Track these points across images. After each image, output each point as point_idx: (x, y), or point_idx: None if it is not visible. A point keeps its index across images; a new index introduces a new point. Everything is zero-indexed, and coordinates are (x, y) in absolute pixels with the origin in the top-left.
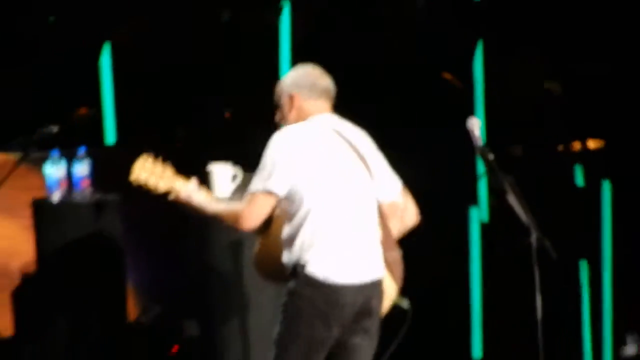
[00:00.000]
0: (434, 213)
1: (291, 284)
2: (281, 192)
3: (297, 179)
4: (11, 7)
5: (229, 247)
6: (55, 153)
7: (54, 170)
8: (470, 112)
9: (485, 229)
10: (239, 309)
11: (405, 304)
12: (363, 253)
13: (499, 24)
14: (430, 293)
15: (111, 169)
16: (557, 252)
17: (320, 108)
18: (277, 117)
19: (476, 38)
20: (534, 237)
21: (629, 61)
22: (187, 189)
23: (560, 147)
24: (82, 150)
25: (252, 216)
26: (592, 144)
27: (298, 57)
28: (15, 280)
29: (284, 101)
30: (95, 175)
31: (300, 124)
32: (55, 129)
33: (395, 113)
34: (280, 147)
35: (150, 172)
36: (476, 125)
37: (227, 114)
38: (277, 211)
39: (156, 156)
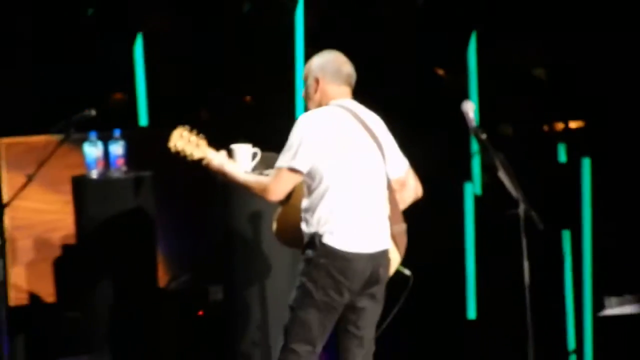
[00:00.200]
0: (433, 188)
1: (308, 253)
2: (304, 169)
3: (319, 159)
4: (53, 1)
5: (249, 219)
6: (93, 134)
7: (92, 150)
8: (465, 96)
9: (478, 201)
10: (259, 275)
11: (407, 271)
12: (373, 226)
13: (490, 15)
14: (428, 260)
15: (144, 148)
16: (543, 223)
17: (342, 93)
18: (303, 94)
19: (470, 29)
20: (521, 209)
21: (605, 51)
22: (220, 158)
23: (545, 127)
24: (117, 132)
25: (277, 189)
26: (573, 124)
27: (311, 46)
28: (57, 251)
29: (310, 82)
30: (130, 154)
31: (324, 108)
32: (93, 112)
33: (399, 100)
34: (305, 129)
35: (186, 141)
36: (470, 108)
37: (247, 99)
38: (298, 183)
39: (191, 128)
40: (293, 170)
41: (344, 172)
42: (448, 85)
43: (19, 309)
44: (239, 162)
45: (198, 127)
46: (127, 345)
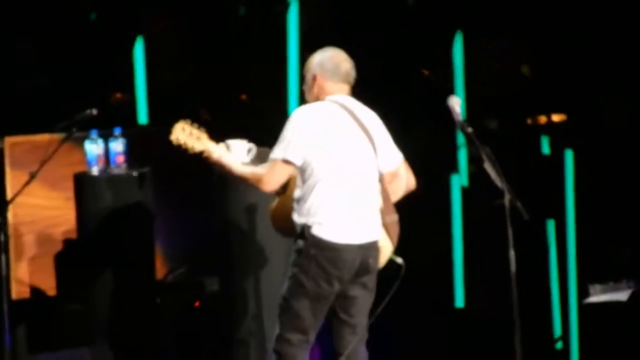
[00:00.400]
0: (421, 179)
1: (299, 244)
2: (297, 161)
3: (311, 151)
4: (57, 6)
5: (244, 212)
6: (94, 133)
7: (93, 147)
8: (451, 91)
9: (465, 192)
10: (254, 267)
11: (399, 259)
12: (363, 217)
13: (475, 14)
14: (418, 250)
15: (143, 146)
16: (528, 213)
17: (339, 89)
18: (303, 87)
19: (455, 27)
20: (507, 200)
21: (585, 48)
22: (220, 151)
23: (529, 121)
24: (117, 130)
25: (271, 180)
26: (556, 117)
27: (304, 47)
28: (59, 246)
29: (309, 78)
30: (130, 151)
31: (318, 103)
32: (94, 111)
33: (391, 98)
34: (298, 122)
35: (187, 134)
36: (456, 103)
37: (243, 97)
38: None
39: (192, 122)
40: (286, 161)
41: (335, 165)
42: (435, 81)
43: (21, 302)
44: (235, 156)
45: (197, 123)
46: (126, 337)
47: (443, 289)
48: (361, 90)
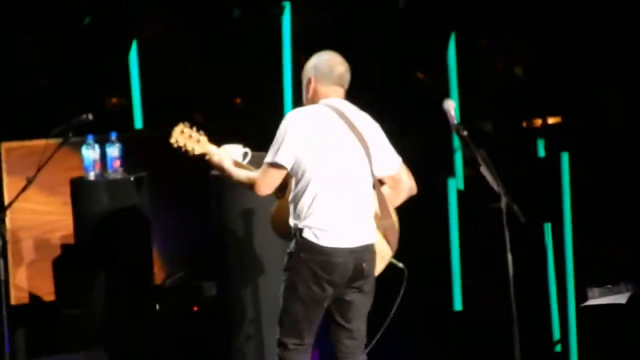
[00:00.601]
0: (418, 183)
1: (291, 247)
2: (287, 164)
3: (301, 155)
4: (52, 11)
5: (242, 216)
6: (90, 138)
7: (89, 152)
8: (446, 95)
9: (461, 196)
10: (252, 271)
11: (400, 264)
12: (353, 221)
13: (469, 15)
14: (415, 253)
15: (139, 150)
16: (524, 216)
17: (333, 93)
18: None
19: (449, 29)
20: (504, 203)
21: (580, 49)
22: (220, 154)
23: (525, 123)
24: (114, 135)
25: (264, 184)
26: (551, 120)
27: (298, 50)
28: (57, 251)
29: (305, 81)
30: (126, 156)
31: (309, 107)
32: (90, 116)
33: (386, 102)
34: (288, 126)
35: (186, 137)
36: (451, 106)
37: (237, 101)
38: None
39: (191, 125)
40: (276, 165)
41: (324, 169)
42: (429, 84)
43: (20, 307)
44: None
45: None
46: (124, 341)
47: (441, 292)
48: (357, 93)
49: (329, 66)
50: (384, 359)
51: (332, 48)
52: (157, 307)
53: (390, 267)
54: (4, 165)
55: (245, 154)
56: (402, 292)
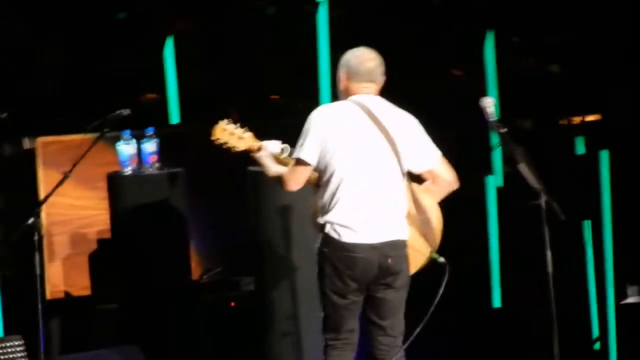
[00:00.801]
0: (458, 180)
1: (317, 243)
2: (311, 160)
3: (324, 151)
4: (87, 7)
5: (278, 212)
6: (127, 133)
7: (126, 147)
8: (484, 93)
9: (500, 193)
10: (289, 267)
11: (441, 258)
12: (378, 217)
13: (505, 15)
14: (455, 250)
15: (175, 145)
16: (564, 213)
17: (364, 89)
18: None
19: (486, 28)
20: (543, 200)
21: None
22: (265, 150)
23: (564, 121)
24: (150, 130)
25: (292, 180)
26: (590, 117)
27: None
28: (93, 245)
29: (337, 77)
30: (162, 151)
31: (335, 103)
32: (126, 112)
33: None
34: (312, 122)
35: (229, 133)
36: (489, 104)
37: (274, 97)
38: None
39: (235, 121)
40: (300, 161)
41: (346, 165)
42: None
43: (55, 301)
44: None
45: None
46: (160, 337)
47: (480, 289)
48: (394, 89)
49: (358, 62)
50: (422, 356)
51: (367, 44)
52: (194, 302)
53: (432, 262)
54: (39, 160)
55: (282, 150)
56: (443, 285)
